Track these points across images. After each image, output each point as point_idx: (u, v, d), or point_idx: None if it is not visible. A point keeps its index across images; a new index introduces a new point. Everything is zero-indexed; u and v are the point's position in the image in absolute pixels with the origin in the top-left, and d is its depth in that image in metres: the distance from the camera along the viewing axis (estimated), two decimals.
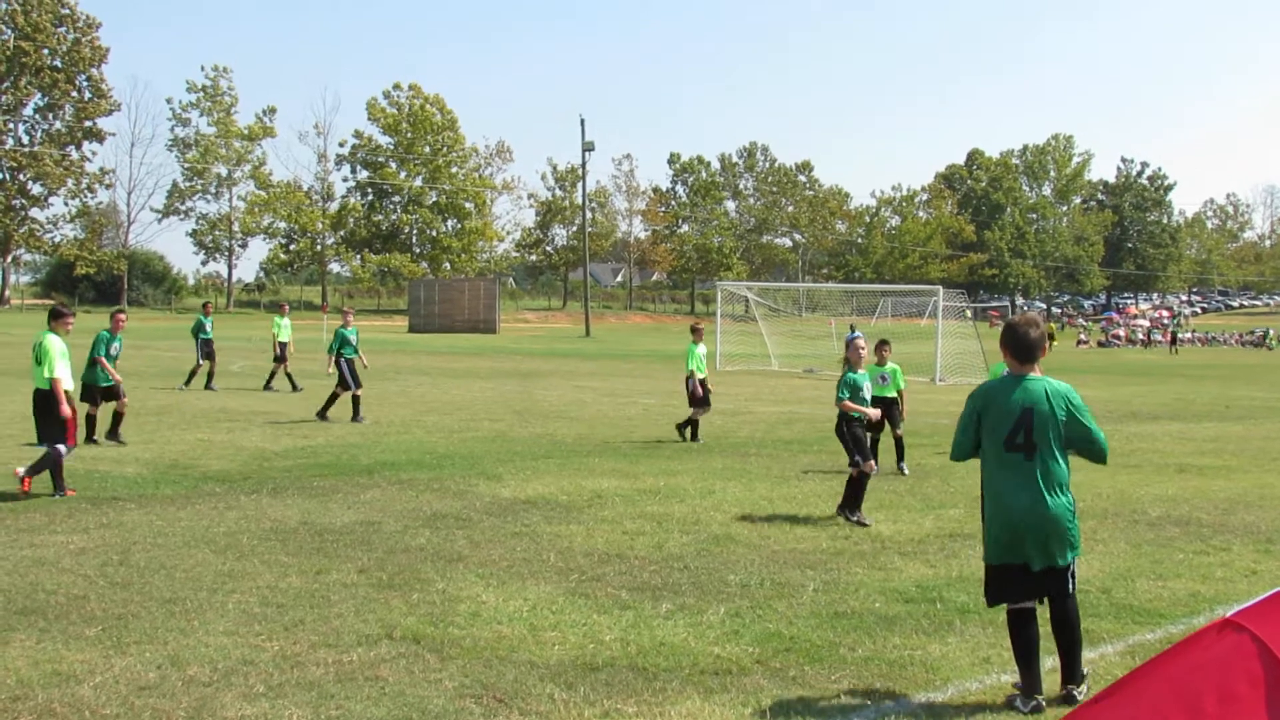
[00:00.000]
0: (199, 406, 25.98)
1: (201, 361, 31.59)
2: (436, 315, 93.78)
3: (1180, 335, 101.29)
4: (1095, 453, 7.47)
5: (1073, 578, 7.49)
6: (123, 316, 21.18)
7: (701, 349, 22.84)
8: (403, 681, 7.52)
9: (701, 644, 8.47)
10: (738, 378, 43.75)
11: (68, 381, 14.65)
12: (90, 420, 19.45)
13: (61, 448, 14.38)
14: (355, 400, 24.33)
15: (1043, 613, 7.61)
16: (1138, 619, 9.45)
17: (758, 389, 37.84)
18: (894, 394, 18.16)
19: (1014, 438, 7.31)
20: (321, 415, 23.96)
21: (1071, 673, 7.52)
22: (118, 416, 19.70)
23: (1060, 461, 7.34)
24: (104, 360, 19.45)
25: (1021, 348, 7.44)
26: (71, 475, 15.74)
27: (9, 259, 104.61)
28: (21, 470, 14.34)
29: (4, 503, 13.65)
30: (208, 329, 31.83)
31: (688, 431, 21.90)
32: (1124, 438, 23.75)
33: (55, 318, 15.12)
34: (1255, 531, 13.48)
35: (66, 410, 14.35)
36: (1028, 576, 7.38)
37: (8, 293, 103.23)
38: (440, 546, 11.72)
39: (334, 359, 24.81)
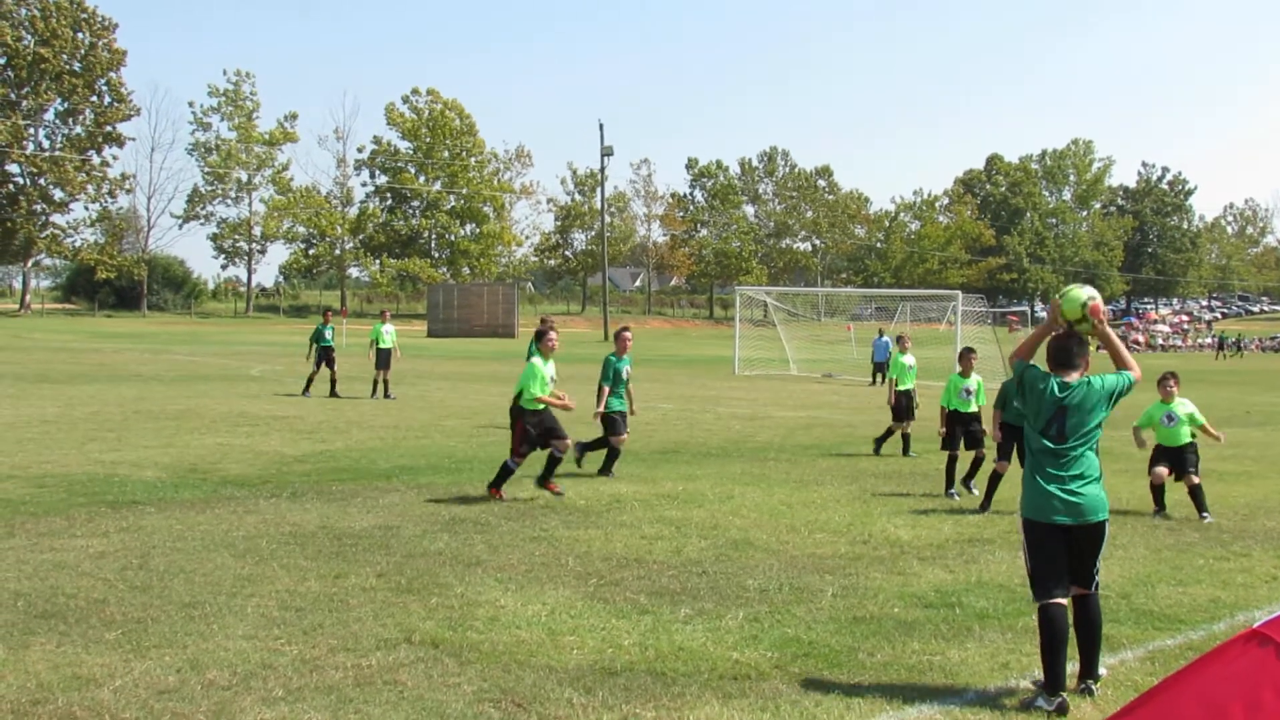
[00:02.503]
0: (219, 410, 26.04)
1: (317, 368, 31.22)
2: (455, 320, 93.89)
3: (1228, 340, 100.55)
4: None
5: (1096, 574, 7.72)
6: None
7: (908, 359, 22.12)
8: (421, 686, 7.52)
9: (720, 649, 8.46)
10: (756, 382, 43.73)
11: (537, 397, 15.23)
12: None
13: (509, 463, 15.09)
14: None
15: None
16: (1158, 625, 9.41)
17: (776, 394, 37.82)
18: (975, 409, 17.18)
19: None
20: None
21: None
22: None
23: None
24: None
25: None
26: (91, 479, 15.81)
27: (30, 264, 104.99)
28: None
29: (23, 507, 13.69)
30: (327, 336, 31.40)
31: (883, 445, 21.32)
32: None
33: (538, 338, 15.94)
34: (1276, 537, 13.43)
35: (566, 402, 15.42)
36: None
37: (28, 298, 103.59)
38: (459, 551, 11.72)
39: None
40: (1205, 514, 14.55)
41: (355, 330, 66.78)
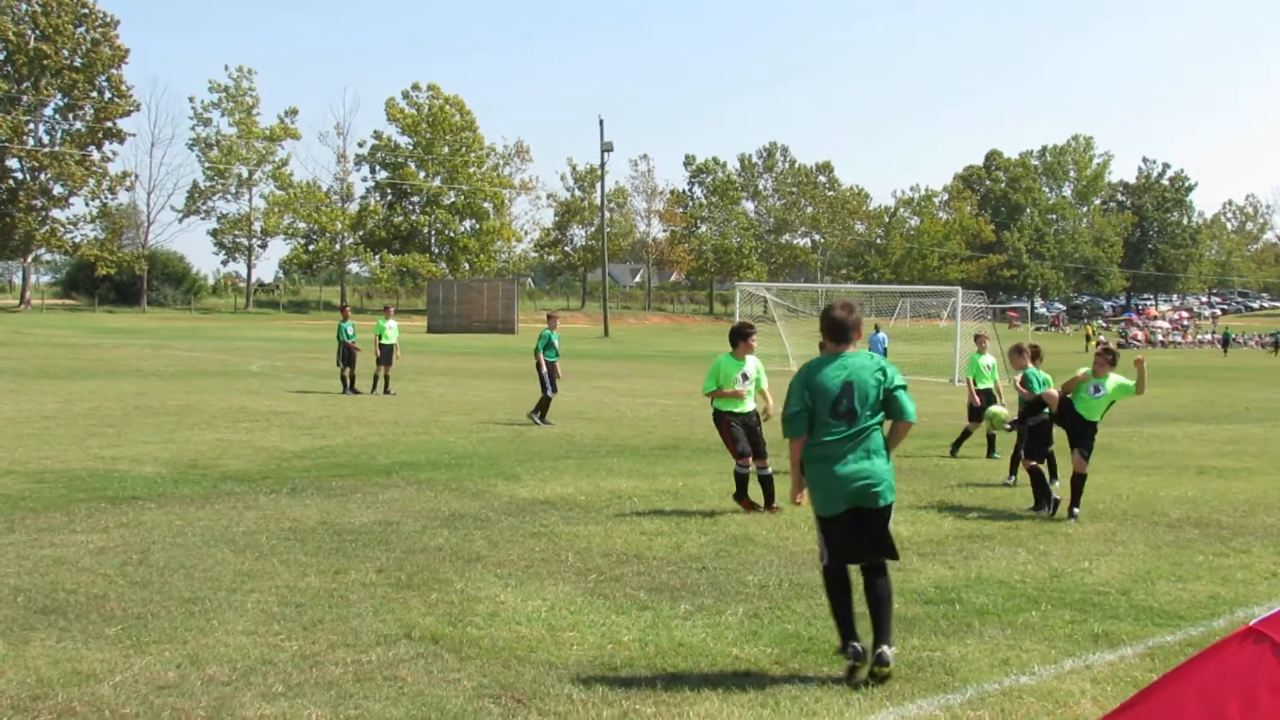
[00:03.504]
0: (219, 406, 26.05)
1: (350, 365, 31.34)
2: (455, 316, 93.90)
3: (1232, 337, 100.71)
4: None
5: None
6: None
7: (986, 359, 21.33)
8: (421, 681, 7.52)
9: (720, 645, 8.47)
10: None
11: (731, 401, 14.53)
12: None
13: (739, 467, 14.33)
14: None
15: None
16: (1157, 621, 9.42)
17: (777, 389, 37.74)
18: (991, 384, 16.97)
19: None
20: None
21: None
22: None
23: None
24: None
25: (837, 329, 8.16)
26: (91, 475, 15.82)
27: (30, 259, 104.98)
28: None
29: (23, 503, 13.70)
30: (350, 332, 31.43)
31: (959, 448, 20.69)
32: (1143, 439, 23.70)
33: (739, 338, 14.83)
34: (1276, 534, 13.42)
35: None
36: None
37: (28, 293, 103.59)
38: (459, 546, 11.73)
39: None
40: (1076, 510, 14.17)
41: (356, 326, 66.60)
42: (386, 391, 30.61)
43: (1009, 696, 7.51)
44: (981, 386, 21.03)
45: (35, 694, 7.14)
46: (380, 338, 31.17)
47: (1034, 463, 15.12)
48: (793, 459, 8.18)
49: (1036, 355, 16.54)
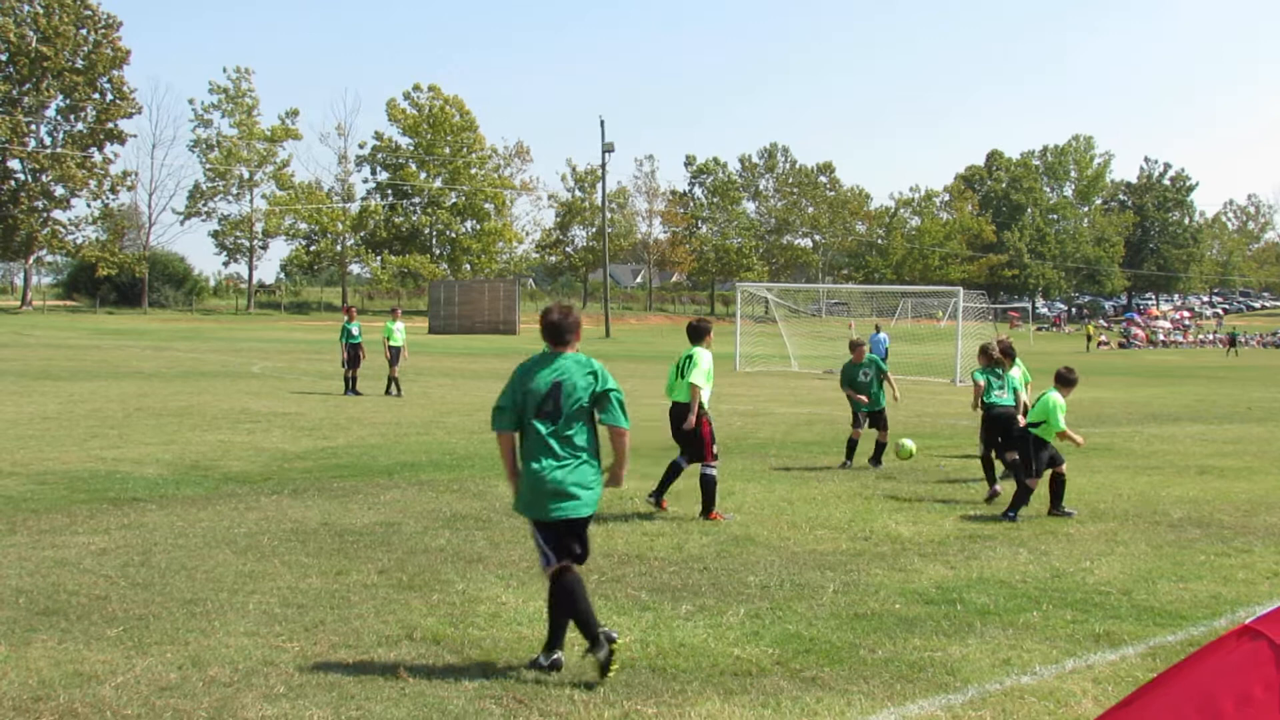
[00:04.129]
0: (220, 407, 26.06)
1: (354, 367, 31.21)
2: (456, 316, 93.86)
3: (1239, 337, 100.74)
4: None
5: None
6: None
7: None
8: (423, 682, 7.53)
9: (721, 645, 8.47)
10: (757, 379, 43.75)
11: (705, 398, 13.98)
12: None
13: (711, 470, 13.81)
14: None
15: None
16: (1159, 621, 9.42)
17: (777, 390, 37.83)
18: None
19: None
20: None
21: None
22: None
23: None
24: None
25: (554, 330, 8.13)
26: (92, 476, 15.82)
27: (31, 260, 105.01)
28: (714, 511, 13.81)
29: (25, 504, 13.70)
30: (354, 333, 31.43)
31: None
32: (1144, 439, 23.69)
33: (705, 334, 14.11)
34: (1277, 533, 13.43)
35: (691, 422, 13.75)
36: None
37: (30, 294, 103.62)
38: (460, 547, 11.73)
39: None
40: (1011, 514, 14.14)
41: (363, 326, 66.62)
42: (391, 393, 30.60)
43: (1010, 696, 7.52)
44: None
45: (37, 695, 7.15)
46: (389, 340, 31.17)
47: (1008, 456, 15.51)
48: (503, 451, 8.09)
49: (1007, 354, 16.55)
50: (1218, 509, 14.99)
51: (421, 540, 12.03)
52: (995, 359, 16.35)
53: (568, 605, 7.79)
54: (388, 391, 30.78)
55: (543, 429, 7.86)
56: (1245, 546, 12.60)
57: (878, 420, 18.96)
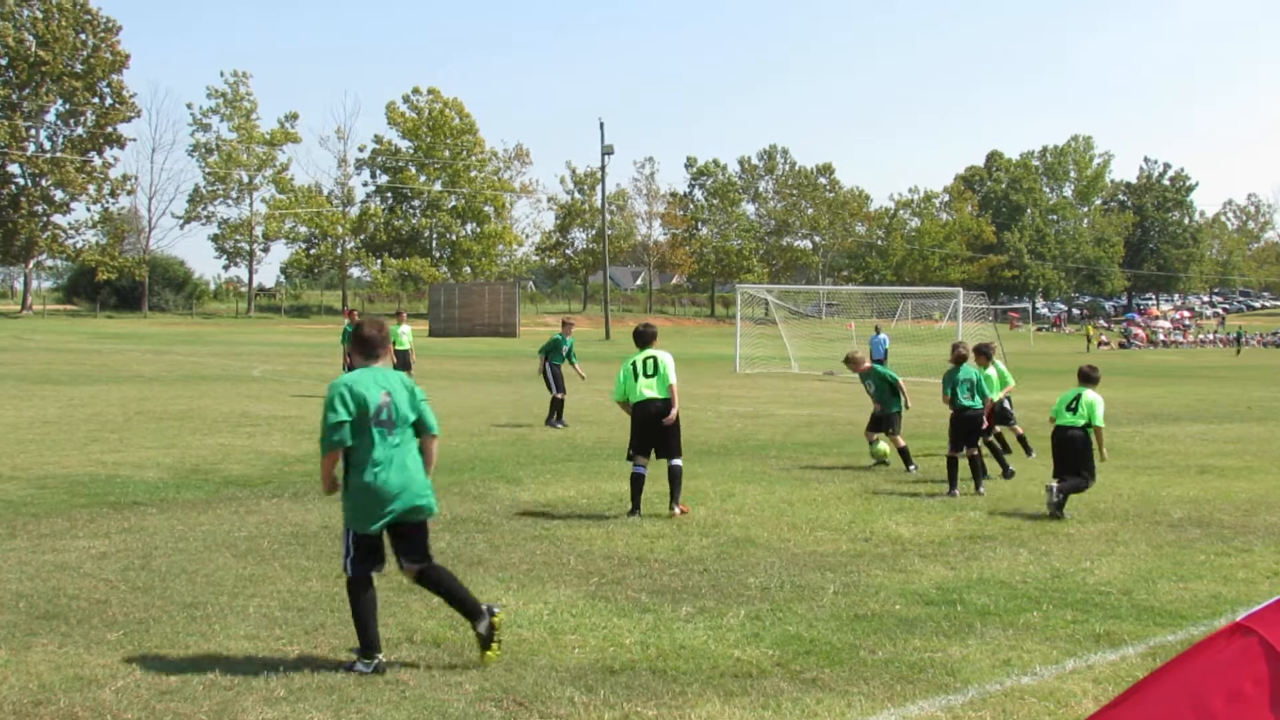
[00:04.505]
0: (220, 411, 26.06)
1: (346, 370, 30.99)
2: (457, 319, 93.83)
3: (1244, 337, 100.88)
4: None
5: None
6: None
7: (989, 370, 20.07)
8: (423, 685, 7.53)
9: (721, 647, 8.47)
10: (758, 380, 43.75)
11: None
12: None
13: (680, 461, 14.20)
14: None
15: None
16: (1159, 620, 9.43)
17: (777, 391, 37.84)
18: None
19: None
20: None
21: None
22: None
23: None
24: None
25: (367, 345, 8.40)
26: (93, 480, 15.83)
27: (31, 265, 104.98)
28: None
29: (25, 508, 13.70)
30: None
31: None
32: (1145, 439, 23.70)
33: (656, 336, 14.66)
34: (1278, 533, 13.43)
35: (673, 417, 14.10)
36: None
37: (30, 298, 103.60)
38: (460, 550, 11.73)
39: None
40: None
41: None
42: None
43: (1011, 697, 7.52)
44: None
45: (37, 699, 7.15)
46: (395, 343, 31.09)
47: (952, 454, 16.27)
48: (326, 470, 8.33)
49: (982, 354, 17.84)
50: (1218, 509, 15.00)
51: None
52: (962, 356, 16.83)
53: (447, 589, 8.21)
54: None
55: (382, 439, 8.09)
56: (1245, 546, 12.60)
57: (887, 424, 18.93)
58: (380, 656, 7.91)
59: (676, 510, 13.91)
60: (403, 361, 30.77)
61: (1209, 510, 14.90)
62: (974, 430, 16.34)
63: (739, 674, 7.88)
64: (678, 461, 14.04)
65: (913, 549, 12.21)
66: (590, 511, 14.13)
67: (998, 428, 19.37)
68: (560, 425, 24.46)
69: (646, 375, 14.11)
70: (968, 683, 7.79)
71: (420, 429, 8.35)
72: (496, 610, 8.04)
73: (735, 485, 16.40)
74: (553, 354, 25.70)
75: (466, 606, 8.08)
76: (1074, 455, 14.48)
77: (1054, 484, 14.19)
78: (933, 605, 9.78)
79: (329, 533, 12.47)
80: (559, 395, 25.12)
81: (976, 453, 16.24)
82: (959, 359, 16.74)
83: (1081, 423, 14.60)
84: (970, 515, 14.36)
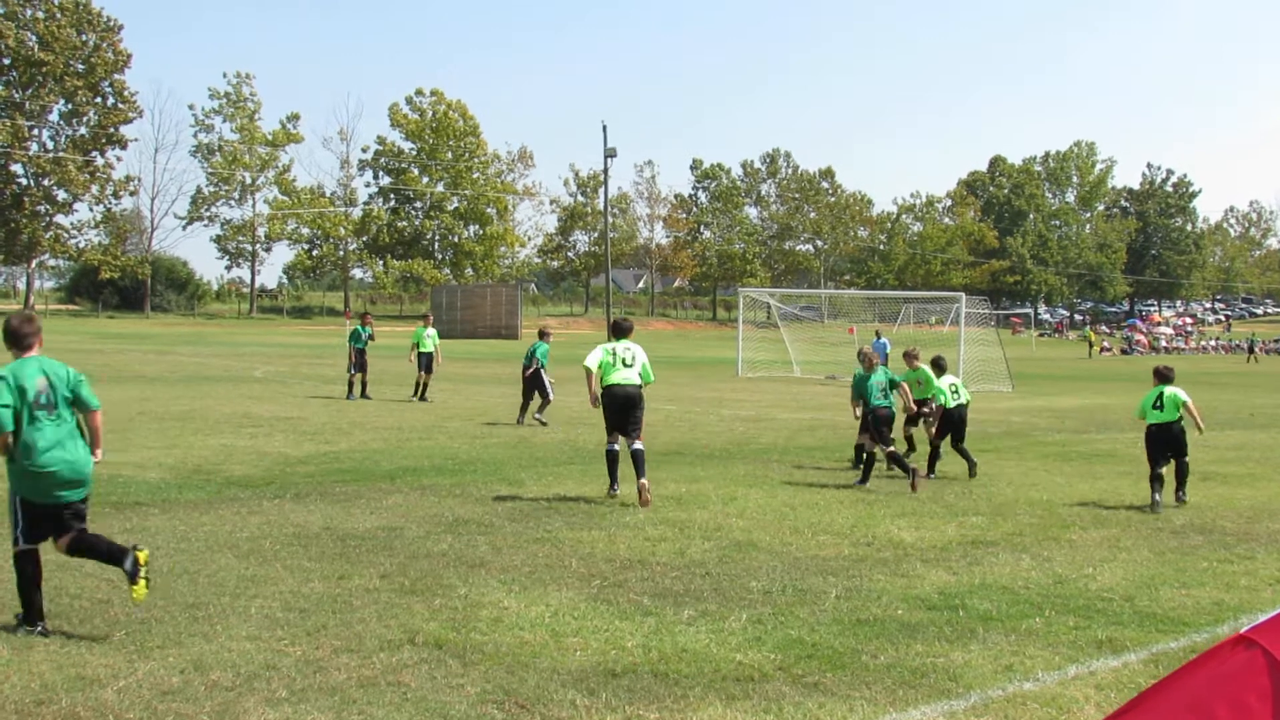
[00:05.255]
0: (222, 411, 26.07)
1: (361, 372, 31.19)
2: (459, 321, 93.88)
3: (1258, 344, 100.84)
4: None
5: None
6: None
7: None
8: (425, 687, 7.53)
9: (723, 650, 8.47)
10: (760, 384, 43.74)
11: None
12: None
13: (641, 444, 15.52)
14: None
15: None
16: (1161, 627, 9.42)
17: (780, 395, 37.83)
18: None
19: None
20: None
21: None
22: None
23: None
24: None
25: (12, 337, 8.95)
26: (95, 480, 15.78)
27: (34, 264, 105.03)
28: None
29: None
30: (363, 339, 31.49)
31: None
32: None
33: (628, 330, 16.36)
34: None
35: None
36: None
37: (32, 298, 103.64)
38: (462, 552, 11.73)
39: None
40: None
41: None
42: (422, 399, 30.57)
43: (1013, 703, 7.51)
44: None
45: (39, 699, 7.15)
46: (419, 346, 31.19)
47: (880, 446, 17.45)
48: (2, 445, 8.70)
49: (911, 358, 20.05)
50: (1220, 515, 15.00)
51: (424, 545, 12.03)
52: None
53: (96, 549, 8.94)
54: (421, 398, 30.79)
55: (46, 420, 8.68)
56: (1248, 553, 12.59)
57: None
58: (44, 624, 8.54)
59: (644, 482, 14.83)
60: (427, 363, 30.86)
61: (1211, 517, 14.90)
62: (888, 427, 17.54)
63: (741, 678, 7.87)
64: (640, 445, 15.18)
65: (915, 554, 12.21)
66: (592, 514, 14.13)
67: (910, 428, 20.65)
68: (531, 422, 25.45)
69: (626, 365, 15.61)
70: (970, 688, 7.78)
71: (81, 406, 8.97)
72: (142, 548, 8.78)
73: (737, 489, 16.40)
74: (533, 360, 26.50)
75: (115, 555, 8.78)
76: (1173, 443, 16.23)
77: (1181, 494, 16.12)
78: (935, 610, 9.77)
79: (330, 534, 12.47)
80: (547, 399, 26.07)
81: (894, 449, 17.53)
82: (870, 366, 17.92)
83: (1175, 417, 16.22)
84: (972, 521, 14.36)
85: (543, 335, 27.75)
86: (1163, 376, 16.53)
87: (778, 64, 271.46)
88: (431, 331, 31.52)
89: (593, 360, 15.59)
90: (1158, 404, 16.18)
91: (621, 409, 15.38)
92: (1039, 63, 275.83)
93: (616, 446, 15.47)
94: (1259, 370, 72.26)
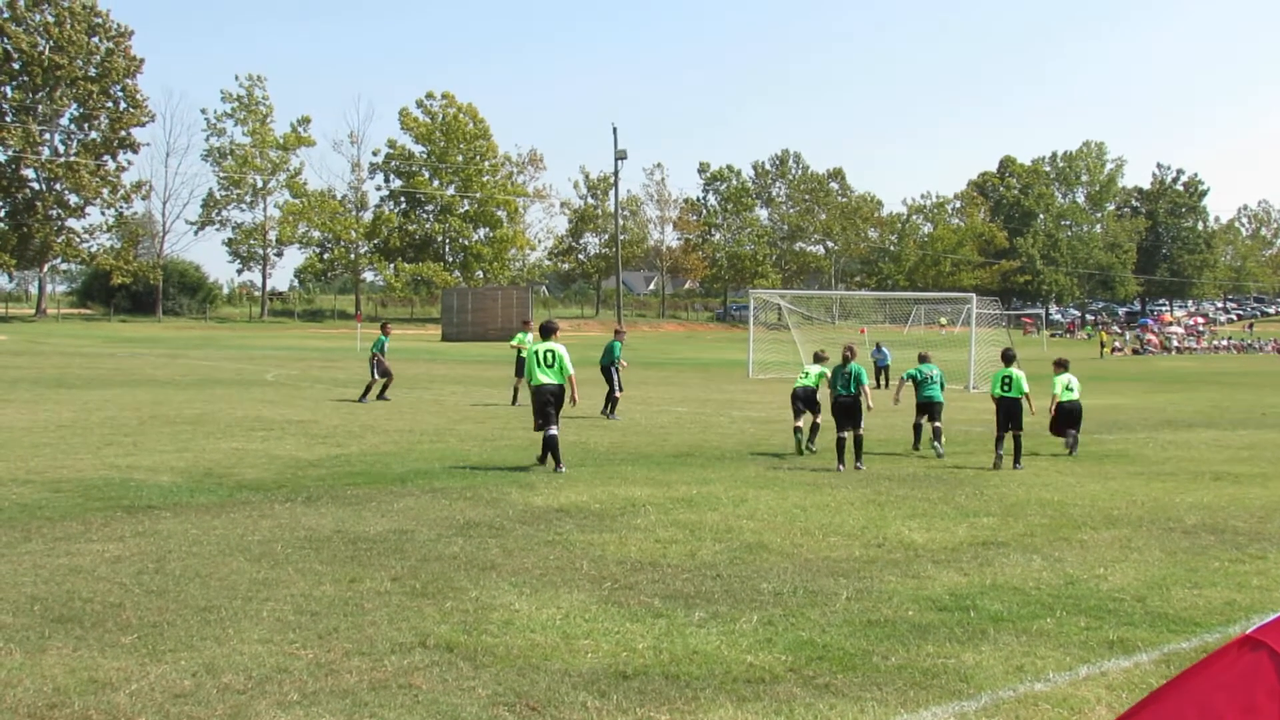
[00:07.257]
0: (234, 415, 26.11)
1: (376, 377, 31.44)
2: (469, 324, 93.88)
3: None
4: None
5: None
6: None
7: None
8: (436, 690, 7.54)
9: (734, 652, 8.47)
10: (770, 386, 43.70)
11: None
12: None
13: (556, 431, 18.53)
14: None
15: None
16: (1173, 628, 9.40)
17: (779, 394, 37.74)
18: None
19: None
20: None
21: None
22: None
23: None
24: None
25: None
26: (107, 484, 15.85)
27: (46, 268, 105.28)
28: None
29: (40, 512, 13.73)
30: (385, 347, 31.82)
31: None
32: (1159, 445, 23.64)
33: (552, 331, 19.07)
34: None
35: (577, 399, 19.22)
36: None
37: (45, 302, 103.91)
38: (473, 555, 11.74)
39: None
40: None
41: (367, 334, 66.82)
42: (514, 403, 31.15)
43: (1024, 703, 7.51)
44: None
45: (52, 702, 7.17)
46: (521, 350, 31.36)
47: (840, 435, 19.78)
48: None
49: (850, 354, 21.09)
50: (1232, 515, 14.96)
51: (435, 548, 12.04)
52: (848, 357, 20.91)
53: None
54: (514, 401, 31.34)
55: None
56: (1260, 553, 12.56)
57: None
58: None
59: (562, 469, 18.06)
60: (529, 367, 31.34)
61: (1223, 517, 14.86)
62: (856, 414, 19.86)
63: (752, 679, 7.87)
64: (555, 431, 18.39)
65: (926, 555, 12.20)
66: (603, 516, 14.13)
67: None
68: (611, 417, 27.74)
69: (547, 365, 18.54)
70: (981, 689, 7.78)
71: None
72: None
73: (748, 491, 16.40)
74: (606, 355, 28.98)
75: None
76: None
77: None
78: (946, 611, 9.76)
79: (342, 537, 12.49)
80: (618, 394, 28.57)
81: (861, 433, 19.89)
82: (845, 360, 20.39)
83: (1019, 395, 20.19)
84: (983, 521, 14.34)
85: (618, 334, 30.92)
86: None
87: (787, 66, 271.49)
88: (531, 337, 31.69)
89: (527, 362, 19.50)
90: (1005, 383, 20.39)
91: (545, 403, 18.42)
92: (1048, 63, 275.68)
93: (554, 430, 18.35)
94: (1265, 369, 72.02)
